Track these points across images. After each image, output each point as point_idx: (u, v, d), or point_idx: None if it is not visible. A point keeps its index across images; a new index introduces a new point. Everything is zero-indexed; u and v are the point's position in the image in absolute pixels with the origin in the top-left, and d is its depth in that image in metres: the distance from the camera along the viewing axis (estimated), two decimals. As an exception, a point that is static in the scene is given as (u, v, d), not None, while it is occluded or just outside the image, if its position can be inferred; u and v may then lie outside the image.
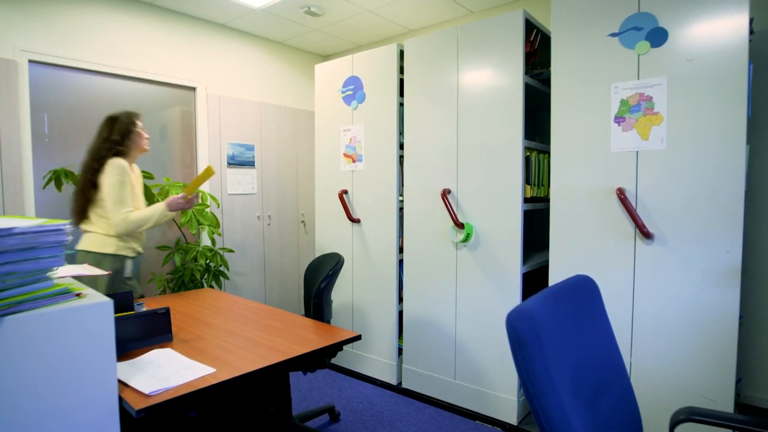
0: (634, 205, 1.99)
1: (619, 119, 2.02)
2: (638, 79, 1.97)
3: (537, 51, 2.53)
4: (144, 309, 1.82)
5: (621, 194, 1.97)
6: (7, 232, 0.96)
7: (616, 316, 2.04)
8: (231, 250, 3.68)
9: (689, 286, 1.89)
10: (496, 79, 2.42)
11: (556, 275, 2.23)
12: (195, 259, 3.29)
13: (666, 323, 1.94)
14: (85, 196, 2.25)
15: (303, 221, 4.46)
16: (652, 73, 1.94)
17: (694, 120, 1.85)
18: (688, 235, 1.88)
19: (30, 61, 2.83)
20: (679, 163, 1.89)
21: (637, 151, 1.98)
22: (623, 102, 2.01)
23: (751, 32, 1.86)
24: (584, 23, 2.10)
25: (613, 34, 2.02)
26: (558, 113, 2.20)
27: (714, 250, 1.83)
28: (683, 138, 1.88)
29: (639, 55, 1.97)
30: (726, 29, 1.77)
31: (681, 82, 1.87)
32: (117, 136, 2.26)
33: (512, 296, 2.39)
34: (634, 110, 1.98)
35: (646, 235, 1.95)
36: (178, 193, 3.12)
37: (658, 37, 1.92)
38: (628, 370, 1.97)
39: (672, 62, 1.89)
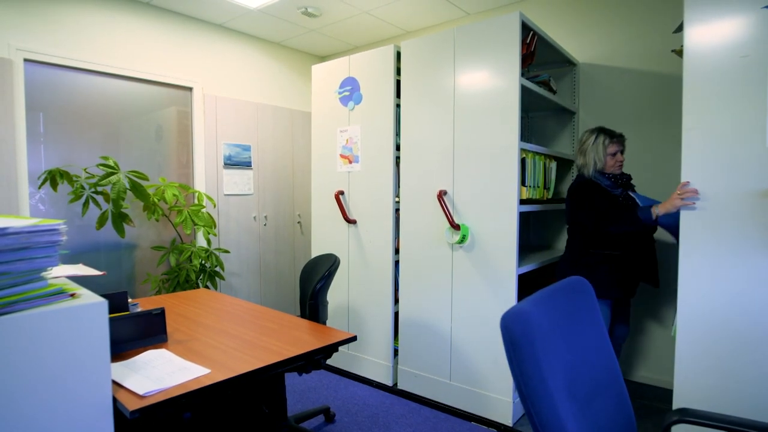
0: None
1: None
2: None
3: (533, 53, 2.54)
4: (139, 309, 1.81)
5: None
6: (1, 232, 0.95)
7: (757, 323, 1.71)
8: (226, 251, 3.67)
9: None
10: (492, 80, 2.42)
11: (686, 300, 1.84)
12: (190, 260, 3.28)
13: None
14: None
15: (299, 222, 4.46)
16: None
17: None
18: None
19: (26, 60, 2.82)
20: None
21: None
22: None
23: None
24: None
25: None
26: (692, 104, 1.81)
27: None
28: None
29: None
30: None
31: None
32: None
33: (508, 297, 2.40)
34: None
35: None
36: (173, 194, 3.12)
37: None
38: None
39: None
